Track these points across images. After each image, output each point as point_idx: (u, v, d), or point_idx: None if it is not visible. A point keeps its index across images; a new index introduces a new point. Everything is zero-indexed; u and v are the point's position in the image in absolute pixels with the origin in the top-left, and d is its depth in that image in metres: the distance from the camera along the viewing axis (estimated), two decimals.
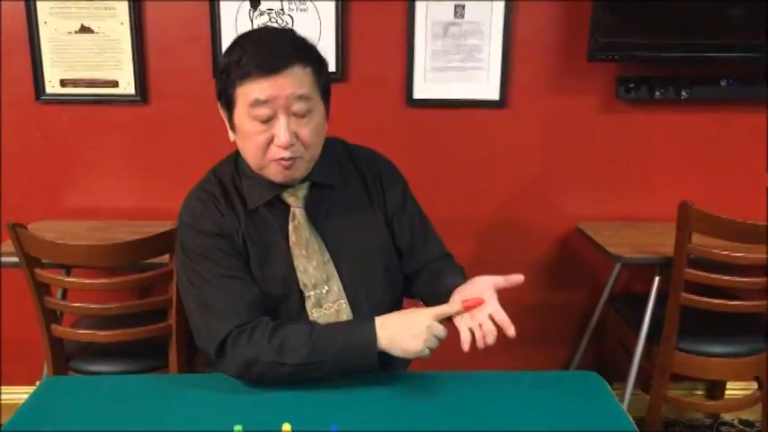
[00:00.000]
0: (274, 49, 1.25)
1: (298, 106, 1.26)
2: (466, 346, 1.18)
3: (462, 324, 1.21)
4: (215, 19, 2.35)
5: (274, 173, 1.32)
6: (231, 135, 1.35)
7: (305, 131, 1.29)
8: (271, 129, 1.27)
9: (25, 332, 2.47)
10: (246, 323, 1.27)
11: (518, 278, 1.23)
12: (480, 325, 1.18)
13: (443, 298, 1.28)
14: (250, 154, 1.32)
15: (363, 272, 1.41)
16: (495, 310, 1.19)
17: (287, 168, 1.31)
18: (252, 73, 1.23)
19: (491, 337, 1.17)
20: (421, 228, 1.51)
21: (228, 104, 1.30)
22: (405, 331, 1.22)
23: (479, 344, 1.17)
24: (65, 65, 2.38)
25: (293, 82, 1.25)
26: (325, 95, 1.34)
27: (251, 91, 1.24)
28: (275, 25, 2.34)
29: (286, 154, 1.28)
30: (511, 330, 1.18)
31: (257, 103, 1.24)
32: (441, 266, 1.48)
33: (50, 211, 2.48)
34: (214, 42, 2.36)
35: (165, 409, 1.19)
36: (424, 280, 1.48)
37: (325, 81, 1.33)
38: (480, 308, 1.21)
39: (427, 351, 1.21)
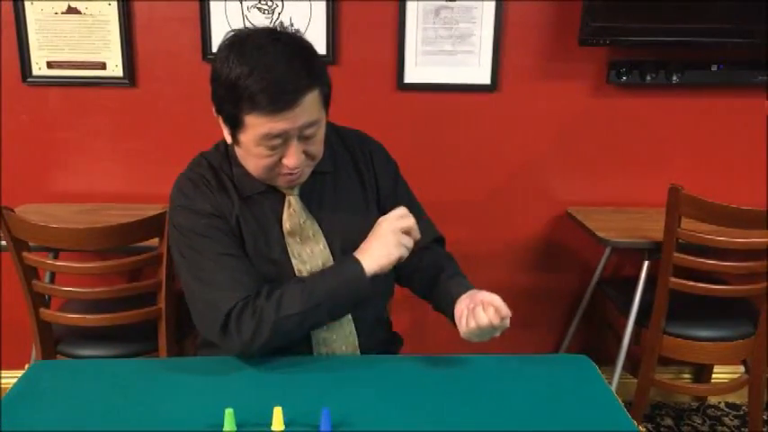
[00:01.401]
0: (287, 80, 1.19)
1: (309, 131, 1.25)
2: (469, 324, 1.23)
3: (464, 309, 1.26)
4: None
5: (280, 183, 1.33)
6: (228, 139, 1.31)
7: (313, 148, 1.29)
8: (280, 152, 1.25)
9: (13, 316, 2.46)
10: (250, 295, 1.28)
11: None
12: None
13: (449, 304, 1.33)
14: (255, 170, 1.30)
15: None
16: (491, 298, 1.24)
17: (294, 180, 1.32)
18: (264, 107, 1.18)
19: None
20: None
21: (233, 123, 1.25)
22: (382, 249, 1.27)
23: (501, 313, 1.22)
24: (52, 46, 2.35)
25: (306, 112, 1.22)
26: (328, 103, 1.31)
27: (262, 124, 1.20)
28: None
29: (295, 170, 1.28)
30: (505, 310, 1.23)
31: (269, 137, 1.22)
32: (435, 262, 1.47)
33: (38, 195, 2.46)
34: (203, 23, 2.33)
35: (154, 392, 1.19)
36: (420, 277, 1.47)
37: (328, 91, 1.29)
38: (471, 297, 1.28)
39: (405, 252, 1.28)
